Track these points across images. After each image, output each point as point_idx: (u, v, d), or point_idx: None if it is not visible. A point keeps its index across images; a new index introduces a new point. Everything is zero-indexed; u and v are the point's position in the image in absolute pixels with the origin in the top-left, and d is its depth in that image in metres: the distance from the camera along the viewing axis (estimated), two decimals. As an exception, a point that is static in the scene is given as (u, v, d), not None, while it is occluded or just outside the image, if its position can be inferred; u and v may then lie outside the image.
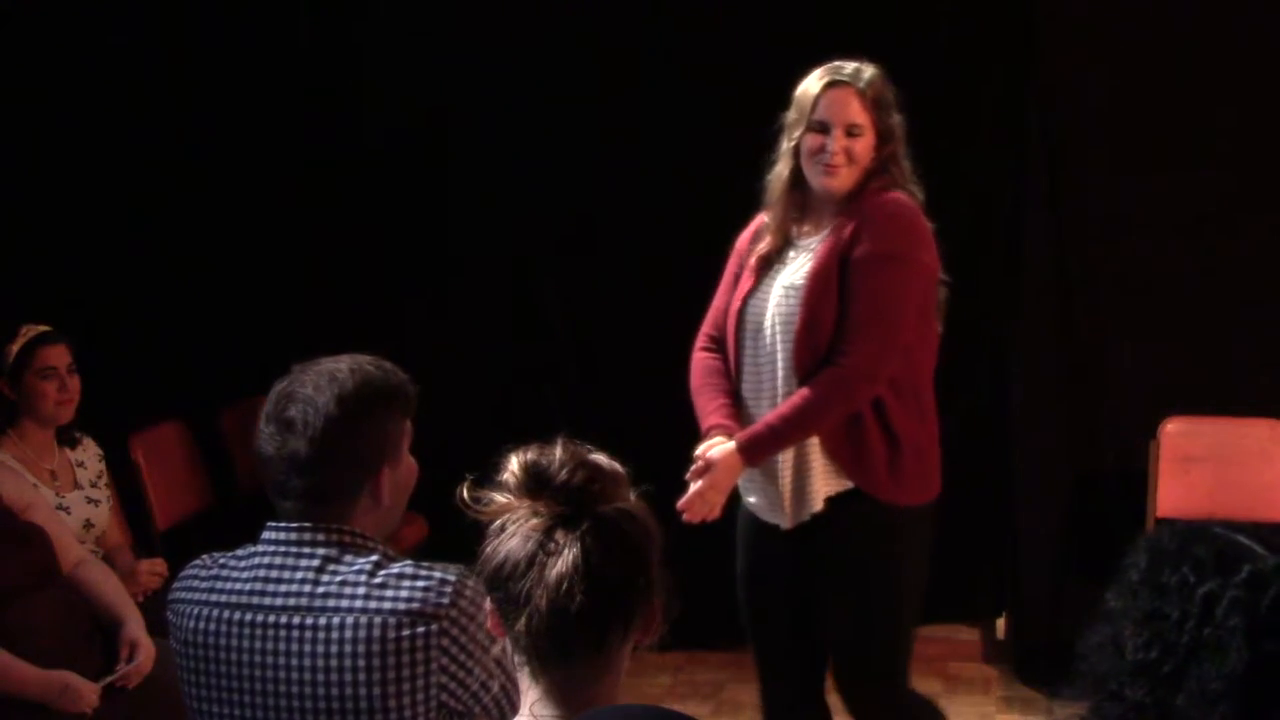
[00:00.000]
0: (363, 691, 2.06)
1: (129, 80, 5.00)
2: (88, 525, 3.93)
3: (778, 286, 3.24)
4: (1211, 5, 4.53)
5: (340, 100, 5.05)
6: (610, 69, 4.90)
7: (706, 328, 3.45)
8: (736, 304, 3.32)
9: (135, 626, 3.47)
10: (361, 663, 2.06)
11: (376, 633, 2.06)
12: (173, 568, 3.79)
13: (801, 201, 3.27)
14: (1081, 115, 4.63)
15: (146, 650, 3.41)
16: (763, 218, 3.36)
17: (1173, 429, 4.50)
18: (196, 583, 2.21)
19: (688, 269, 4.94)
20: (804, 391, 3.14)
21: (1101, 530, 4.61)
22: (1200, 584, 1.38)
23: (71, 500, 3.91)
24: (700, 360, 3.42)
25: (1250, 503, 4.37)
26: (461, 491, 1.71)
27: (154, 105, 5.04)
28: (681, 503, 3.16)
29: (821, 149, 3.18)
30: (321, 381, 2.15)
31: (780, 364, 3.22)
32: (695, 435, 4.79)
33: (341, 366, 2.18)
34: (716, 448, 3.19)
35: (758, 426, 3.18)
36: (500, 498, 1.70)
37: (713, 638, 4.86)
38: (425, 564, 2.14)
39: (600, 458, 1.73)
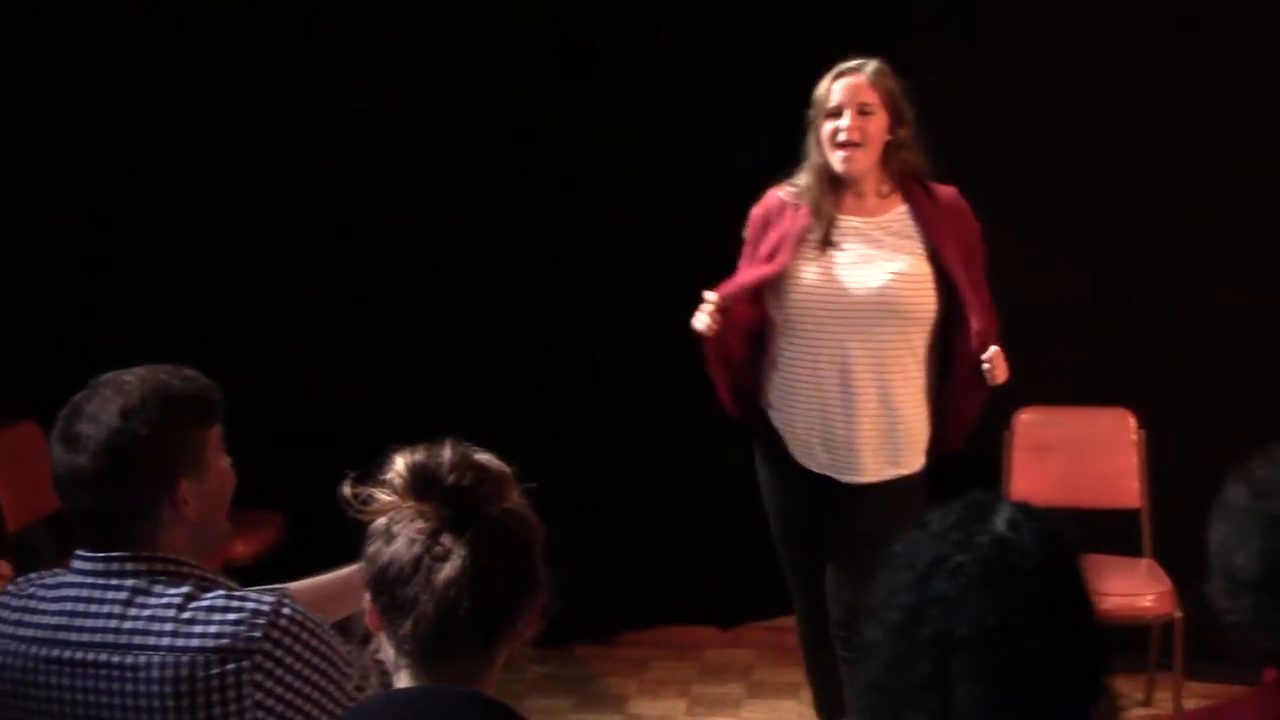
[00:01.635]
0: None
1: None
2: (-65, 528, 3.81)
3: (878, 271, 3.54)
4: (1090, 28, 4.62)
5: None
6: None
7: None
8: (779, 275, 3.58)
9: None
10: (170, 703, 1.97)
11: (185, 672, 1.97)
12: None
13: (837, 185, 3.60)
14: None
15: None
16: (776, 195, 3.68)
17: (1027, 418, 4.60)
18: (5, 613, 2.09)
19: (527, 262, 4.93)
20: (979, 328, 3.53)
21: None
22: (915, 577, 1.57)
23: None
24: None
25: (1101, 489, 4.50)
26: (343, 489, 1.68)
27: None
28: (1001, 371, 3.51)
29: (837, 131, 3.54)
30: (108, 394, 2.05)
31: (861, 333, 3.54)
32: (578, 428, 4.74)
33: (131, 378, 2.08)
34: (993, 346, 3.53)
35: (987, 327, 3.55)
36: (384, 496, 1.67)
37: (579, 633, 4.87)
38: (239, 593, 2.05)
39: (487, 458, 1.71)
